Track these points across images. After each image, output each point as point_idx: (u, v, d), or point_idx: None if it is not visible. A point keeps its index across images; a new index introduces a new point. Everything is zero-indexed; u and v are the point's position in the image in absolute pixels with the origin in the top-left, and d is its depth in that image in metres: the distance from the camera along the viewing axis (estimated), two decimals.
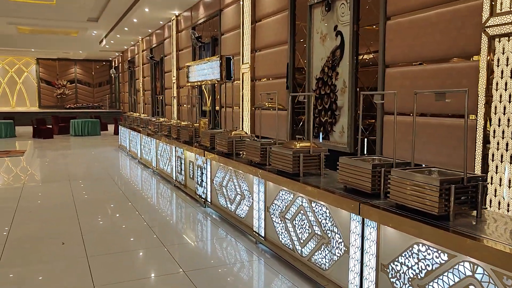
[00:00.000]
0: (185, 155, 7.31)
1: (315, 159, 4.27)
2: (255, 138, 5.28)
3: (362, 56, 6.02)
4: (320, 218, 3.70)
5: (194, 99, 12.16)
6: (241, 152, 5.67)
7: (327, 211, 3.60)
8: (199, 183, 6.59)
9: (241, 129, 8.92)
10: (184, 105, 13.08)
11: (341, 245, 3.42)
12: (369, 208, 3.04)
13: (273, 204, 4.46)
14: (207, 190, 6.26)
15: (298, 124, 7.52)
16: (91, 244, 4.91)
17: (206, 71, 6.64)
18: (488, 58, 4.11)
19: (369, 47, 5.84)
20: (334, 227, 3.51)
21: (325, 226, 3.62)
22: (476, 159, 4.29)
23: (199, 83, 7.18)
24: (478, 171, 4.26)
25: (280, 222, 4.34)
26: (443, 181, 2.66)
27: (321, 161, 4.28)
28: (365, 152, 5.91)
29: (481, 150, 4.25)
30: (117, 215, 6.31)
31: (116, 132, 18.23)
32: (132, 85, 21.66)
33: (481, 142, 4.25)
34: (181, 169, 7.46)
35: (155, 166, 9.28)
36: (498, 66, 4.05)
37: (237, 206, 5.33)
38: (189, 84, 7.65)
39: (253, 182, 4.86)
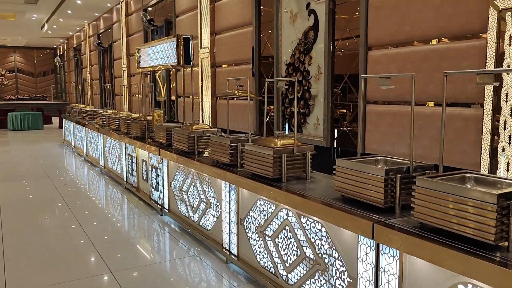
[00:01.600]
0: (136, 153, 6.30)
1: (300, 159, 3.44)
2: (222, 134, 4.39)
3: (339, 37, 5.22)
4: (312, 237, 2.88)
5: (147, 88, 11.07)
6: (204, 150, 4.77)
7: (323, 229, 2.79)
8: (154, 186, 5.62)
9: (201, 121, 7.99)
10: (136, 95, 11.92)
11: (344, 275, 2.62)
12: (387, 231, 2.25)
13: (249, 216, 3.61)
14: (164, 195, 5.31)
15: (266, 115, 6.66)
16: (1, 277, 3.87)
17: (160, 54, 5.64)
18: (497, 36, 3.43)
19: (347, 27, 5.05)
20: (333, 251, 2.70)
21: (320, 248, 2.81)
22: (482, 154, 3.62)
23: (152, 69, 6.17)
24: (485, 167, 3.60)
25: (258, 239, 3.49)
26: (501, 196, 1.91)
27: (307, 162, 3.46)
28: (339, 147, 5.16)
29: (488, 143, 3.58)
30: (52, 227, 5.24)
31: (61, 126, 16.72)
32: (78, 74, 20.06)
33: (489, 134, 3.57)
34: (133, 170, 6.45)
35: (102, 165, 8.17)
36: (510, 45, 3.37)
37: (202, 216, 4.44)
38: (140, 70, 6.62)
39: (221, 188, 3.98)
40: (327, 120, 5.42)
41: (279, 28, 6.24)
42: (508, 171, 3.46)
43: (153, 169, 5.59)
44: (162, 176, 5.30)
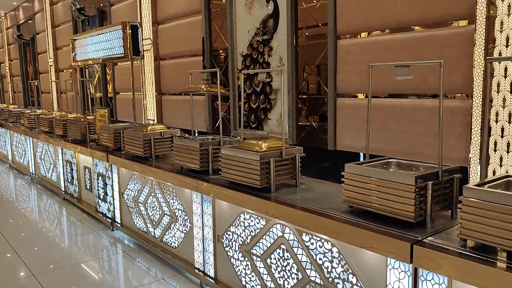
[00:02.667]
0: (77, 159, 5.47)
1: (289, 164, 2.95)
2: (185, 135, 3.78)
3: (303, 26, 4.78)
4: (320, 258, 2.40)
5: (78, 84, 10.05)
6: (162, 155, 4.13)
7: (334, 249, 2.32)
8: (101, 197, 4.86)
9: (144, 120, 7.24)
10: (66, 93, 10.79)
11: None
12: (432, 254, 1.82)
13: (229, 233, 3.06)
14: (114, 207, 4.59)
15: (218, 112, 6.12)
16: None
17: (102, 45, 4.88)
18: (486, 22, 3.15)
19: (312, 15, 4.61)
20: (350, 275, 2.24)
21: (331, 271, 2.34)
22: (472, 149, 3.35)
23: (92, 62, 5.36)
24: (475, 163, 3.33)
25: (242, 259, 2.95)
26: None
27: (296, 167, 2.98)
28: (305, 144, 4.75)
29: (478, 137, 3.31)
30: None
31: None
32: None
33: (479, 128, 3.30)
34: (73, 178, 5.61)
35: (33, 173, 7.16)
36: (502, 31, 3.11)
37: (165, 231, 3.81)
38: (76, 64, 5.77)
39: (191, 200, 3.38)
40: (292, 115, 4.97)
41: (233, 17, 5.68)
42: (501, 165, 3.21)
43: (100, 177, 4.83)
44: (112, 186, 4.57)
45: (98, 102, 9.56)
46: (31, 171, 7.21)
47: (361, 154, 4.27)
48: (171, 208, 3.69)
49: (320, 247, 2.39)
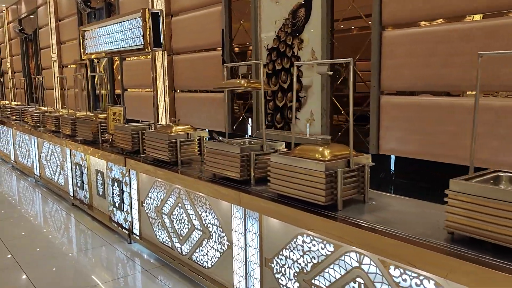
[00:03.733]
0: (88, 161, 4.93)
1: (356, 176, 2.41)
2: (218, 138, 3.24)
3: (340, 16, 4.23)
4: None
5: (83, 80, 9.49)
6: (188, 160, 3.60)
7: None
8: (117, 205, 4.32)
9: (155, 118, 6.69)
10: (70, 89, 10.23)
11: None
12: None
13: (281, 257, 2.52)
14: (133, 217, 4.04)
15: (240, 111, 5.60)
16: None
17: (117, 35, 4.33)
18: None
19: (352, 3, 4.07)
20: None
21: None
22: None
23: (105, 55, 4.81)
24: None
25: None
26: None
27: (365, 179, 2.44)
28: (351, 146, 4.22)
29: None
30: None
31: None
32: None
33: None
34: (83, 182, 5.06)
35: (38, 175, 6.60)
36: None
37: (195, 248, 3.27)
38: (86, 57, 5.22)
39: (231, 214, 2.85)
40: (326, 114, 4.43)
41: (257, 6, 5.12)
42: None
43: (115, 183, 4.29)
44: (130, 193, 4.03)
45: (104, 99, 9.01)
46: (35, 173, 6.66)
47: (392, 158, 3.78)
48: (204, 222, 3.15)
49: (418, 286, 1.85)
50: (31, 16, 12.86)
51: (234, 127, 5.42)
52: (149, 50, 4.00)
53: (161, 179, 3.56)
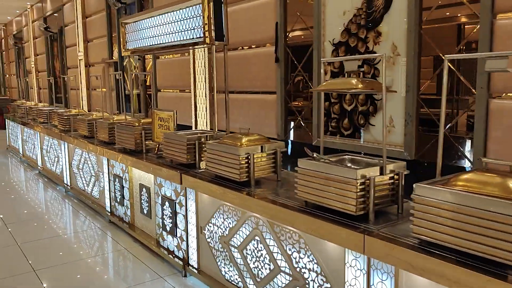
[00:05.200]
0: (129, 173, 4.22)
1: None
2: (312, 154, 2.47)
3: (433, 2, 3.43)
4: None
5: (112, 79, 8.87)
6: (262, 179, 2.85)
7: None
8: (167, 228, 3.59)
9: (193, 123, 5.97)
10: (98, 89, 9.61)
11: None
12: None
13: None
14: (189, 245, 3.31)
15: (294, 114, 4.86)
16: None
17: (169, 27, 3.61)
18: None
19: None
20: None
21: None
22: None
23: (151, 51, 4.10)
24: None
25: None
26: None
27: None
28: (439, 160, 3.41)
29: None
30: None
31: (2, 126, 13.84)
32: (20, 66, 17.05)
33: None
34: (123, 197, 4.36)
35: (68, 184, 5.93)
36: None
37: None
38: (127, 53, 4.51)
39: (344, 261, 2.09)
40: (412, 121, 3.63)
41: None
42: None
43: (166, 203, 3.56)
44: (186, 216, 3.30)
45: (135, 100, 8.35)
46: (65, 182, 5.98)
47: None
48: (295, 266, 2.40)
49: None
50: (55, 14, 12.32)
51: (287, 133, 4.69)
52: (210, 43, 3.27)
53: (231, 204, 2.82)
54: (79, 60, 10.26)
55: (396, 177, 2.23)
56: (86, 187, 5.35)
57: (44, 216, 5.16)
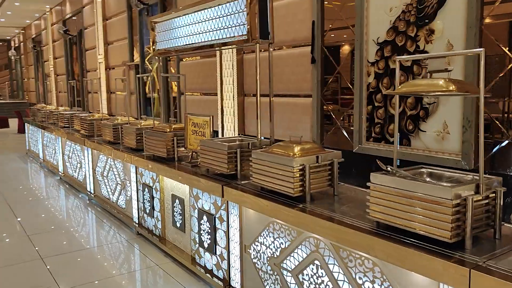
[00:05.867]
0: (161, 183, 3.91)
1: None
2: (386, 167, 2.13)
3: None
4: None
5: (133, 83, 8.63)
6: (317, 194, 2.51)
7: None
8: (205, 245, 3.26)
9: (220, 128, 5.66)
10: (118, 92, 9.39)
11: None
12: None
13: None
14: (231, 264, 2.98)
15: (329, 118, 4.51)
16: None
17: (205, 25, 3.29)
18: None
19: None
20: None
21: None
22: None
23: (187, 50, 3.79)
24: None
25: None
26: None
27: None
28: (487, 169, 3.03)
29: None
30: None
31: (21, 130, 13.75)
32: (39, 69, 17.00)
33: None
34: (153, 208, 4.05)
35: (92, 192, 5.66)
36: None
37: None
38: (156, 54, 4.22)
39: None
40: (471, 126, 3.25)
41: None
42: None
43: (204, 217, 3.24)
44: (227, 233, 2.97)
45: (157, 103, 8.08)
46: (88, 190, 5.71)
47: None
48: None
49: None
50: (73, 18, 12.17)
51: (323, 139, 4.36)
52: (255, 42, 2.95)
53: (285, 222, 2.48)
54: (99, 63, 10.05)
55: (492, 195, 1.87)
56: (111, 196, 5.06)
57: (67, 226, 4.88)
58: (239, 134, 5.41)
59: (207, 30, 3.31)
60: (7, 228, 4.85)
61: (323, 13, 4.32)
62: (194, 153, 3.69)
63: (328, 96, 4.49)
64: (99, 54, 10.06)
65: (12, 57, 20.59)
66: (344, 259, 2.17)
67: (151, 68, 7.91)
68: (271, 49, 3.16)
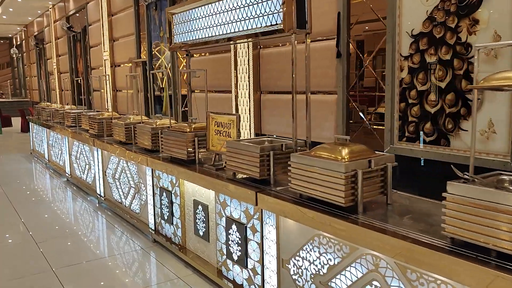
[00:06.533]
0: (181, 188, 3.59)
1: None
2: (464, 174, 1.80)
3: None
4: None
5: (139, 80, 8.32)
6: (369, 203, 2.19)
7: None
8: (234, 257, 2.94)
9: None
10: (124, 90, 9.07)
11: None
12: None
13: None
14: (265, 280, 2.66)
15: (354, 116, 4.22)
16: None
17: (231, 15, 2.97)
18: None
19: None
20: None
21: None
22: None
23: (210, 43, 3.46)
24: None
25: None
26: None
27: None
28: None
29: None
30: None
31: (25, 129, 13.44)
32: (41, 67, 16.68)
33: None
34: (172, 215, 3.73)
35: (102, 195, 5.34)
36: None
37: None
38: (174, 48, 3.90)
39: None
40: None
41: None
42: None
43: (234, 226, 2.92)
44: (261, 245, 2.65)
45: (166, 101, 7.76)
46: (98, 193, 5.39)
47: None
48: None
49: None
50: (77, 14, 11.84)
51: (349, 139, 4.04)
52: (291, 32, 2.62)
53: (334, 235, 2.16)
54: (104, 60, 9.72)
55: None
56: (123, 200, 4.75)
57: (77, 232, 4.57)
58: (260, 134, 5.10)
59: (231, 21, 2.98)
60: (14, 234, 4.53)
61: (349, 4, 3.99)
62: (217, 154, 3.37)
63: (357, 93, 4.17)
64: (104, 51, 9.74)
65: (14, 55, 20.25)
66: (412, 282, 1.85)
67: (166, 64, 7.57)
68: (309, 41, 2.82)
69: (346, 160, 2.19)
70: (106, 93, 9.57)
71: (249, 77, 5.37)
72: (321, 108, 4.26)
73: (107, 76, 8.63)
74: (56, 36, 13.93)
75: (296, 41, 2.84)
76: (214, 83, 5.97)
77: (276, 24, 2.68)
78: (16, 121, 15.30)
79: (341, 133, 4.14)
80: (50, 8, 13.94)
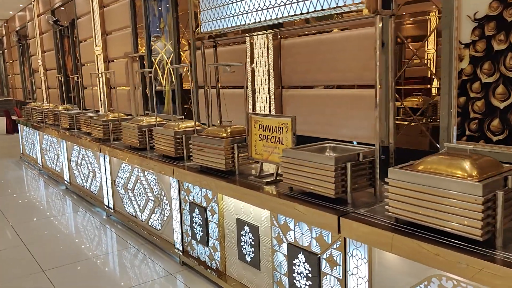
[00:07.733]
0: (220, 204, 3.00)
1: None
2: None
3: None
4: None
5: (137, 76, 7.70)
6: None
7: None
8: None
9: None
10: (119, 88, 8.37)
11: None
12: None
13: None
14: None
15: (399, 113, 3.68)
16: None
17: None
18: None
19: None
20: None
21: None
22: None
23: (254, 31, 2.87)
24: None
25: None
26: None
27: None
28: None
29: None
30: None
31: (11, 131, 12.59)
32: (25, 64, 15.75)
33: None
34: (206, 235, 3.14)
35: (111, 207, 4.70)
36: None
37: None
38: (201, 38, 3.29)
39: None
40: None
41: None
42: None
43: (301, 256, 2.35)
44: (344, 282, 2.10)
45: (168, 98, 7.11)
46: (106, 204, 4.75)
47: None
48: None
49: None
50: (62, 8, 11.04)
51: (394, 138, 3.51)
52: (375, 13, 2.06)
53: (466, 279, 1.62)
54: (97, 55, 8.99)
55: None
56: (138, 213, 4.13)
57: (88, 253, 3.94)
58: (325, 140, 4.55)
59: (279, 3, 2.39)
60: (16, 259, 3.89)
61: None
62: (260, 163, 2.80)
63: (402, 87, 3.64)
64: (96, 46, 9.02)
65: None
66: None
67: (166, 58, 6.91)
68: (393, 24, 2.26)
69: (480, 178, 1.65)
70: (99, 90, 8.84)
71: (268, 71, 4.79)
72: (359, 104, 3.70)
73: (110, 73, 7.92)
74: (40, 31, 13.06)
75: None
76: (226, 78, 5.35)
77: (357, 3, 2.10)
78: (2, 122, 14.40)
79: (384, 130, 3.59)
80: (33, 1, 13.05)
